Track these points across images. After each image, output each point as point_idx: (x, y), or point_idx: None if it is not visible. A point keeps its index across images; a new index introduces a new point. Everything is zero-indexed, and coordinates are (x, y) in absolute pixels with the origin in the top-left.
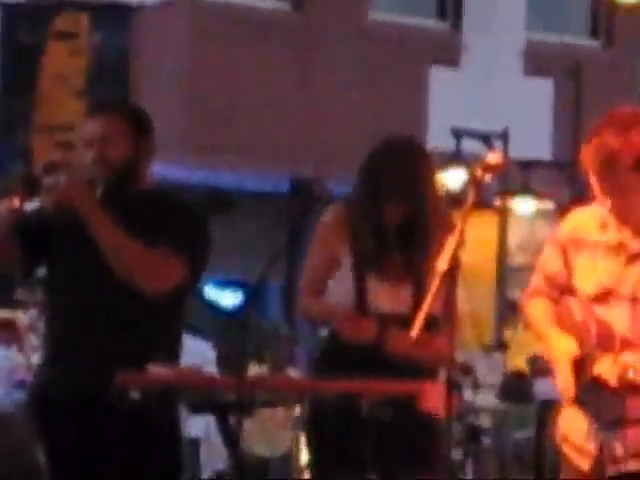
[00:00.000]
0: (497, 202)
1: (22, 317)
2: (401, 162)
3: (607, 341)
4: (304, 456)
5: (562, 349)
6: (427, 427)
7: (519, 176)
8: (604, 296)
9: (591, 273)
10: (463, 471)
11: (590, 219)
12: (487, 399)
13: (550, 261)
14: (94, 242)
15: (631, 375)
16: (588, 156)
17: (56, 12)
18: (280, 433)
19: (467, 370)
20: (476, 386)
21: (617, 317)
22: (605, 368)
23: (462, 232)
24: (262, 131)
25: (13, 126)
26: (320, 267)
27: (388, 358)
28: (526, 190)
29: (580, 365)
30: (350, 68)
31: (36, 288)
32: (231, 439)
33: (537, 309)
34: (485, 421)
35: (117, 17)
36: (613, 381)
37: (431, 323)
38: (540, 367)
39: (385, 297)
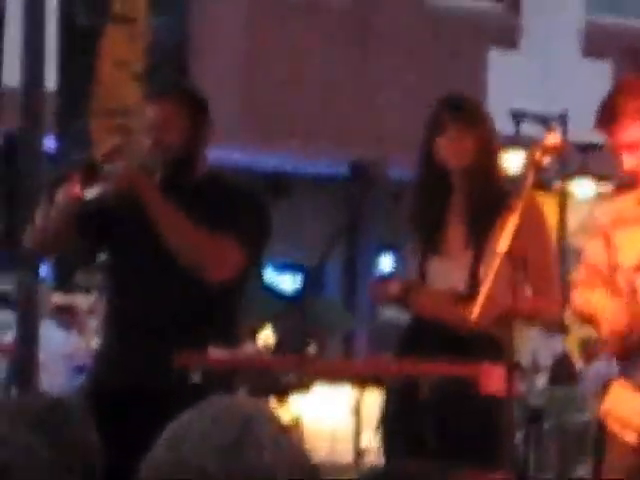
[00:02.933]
0: (557, 185)
1: (82, 301)
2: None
3: None
4: (365, 438)
5: (609, 305)
6: (487, 410)
7: (578, 159)
8: None
9: (632, 246)
10: (525, 455)
11: (629, 198)
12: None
13: (591, 251)
14: (155, 228)
15: None
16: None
17: None
18: None
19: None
20: (536, 369)
21: None
22: None
23: (522, 215)
24: (321, 115)
25: (72, 112)
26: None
27: (465, 339)
28: (585, 172)
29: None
30: (409, 51)
31: (96, 272)
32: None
33: (580, 297)
34: (545, 404)
35: (175, 1)
36: None
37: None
38: (592, 351)
39: (442, 276)
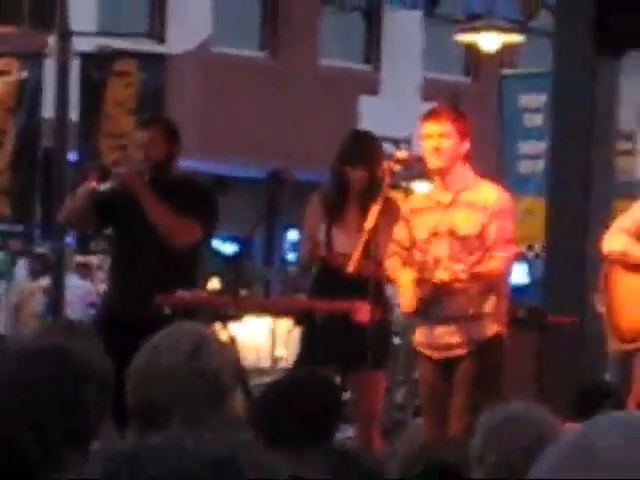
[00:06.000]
0: (403, 185)
1: (94, 260)
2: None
3: (437, 266)
4: (279, 350)
5: (404, 277)
6: (360, 332)
7: (418, 167)
8: (432, 236)
9: (423, 225)
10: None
11: (420, 194)
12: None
13: (398, 231)
14: (143, 211)
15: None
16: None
17: (115, 58)
18: None
19: None
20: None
21: (442, 249)
22: (440, 274)
23: (382, 202)
24: (251, 137)
25: (89, 135)
26: (311, 231)
27: (355, 284)
28: (422, 176)
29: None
30: (310, 97)
31: (104, 240)
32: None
33: (390, 264)
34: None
35: (156, 62)
36: (446, 279)
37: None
38: None
39: (343, 242)
